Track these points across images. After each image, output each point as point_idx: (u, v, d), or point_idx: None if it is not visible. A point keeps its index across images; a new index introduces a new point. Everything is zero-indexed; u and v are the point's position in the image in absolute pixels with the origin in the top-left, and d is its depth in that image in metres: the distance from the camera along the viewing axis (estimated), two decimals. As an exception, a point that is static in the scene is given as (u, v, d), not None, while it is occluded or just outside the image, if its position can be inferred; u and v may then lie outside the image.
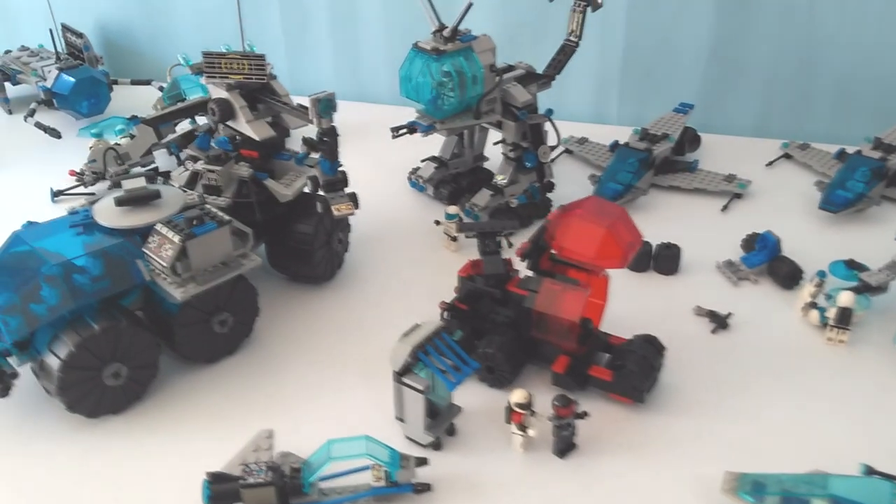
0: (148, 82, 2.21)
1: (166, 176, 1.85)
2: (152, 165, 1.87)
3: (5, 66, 2.25)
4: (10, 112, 2.25)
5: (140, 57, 2.47)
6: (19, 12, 2.55)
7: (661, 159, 1.82)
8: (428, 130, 1.58)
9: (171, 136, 1.88)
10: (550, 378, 1.23)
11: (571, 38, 1.71)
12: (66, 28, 2.32)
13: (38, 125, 1.97)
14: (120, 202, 1.23)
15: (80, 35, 2.27)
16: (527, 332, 1.21)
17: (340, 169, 1.35)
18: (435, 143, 1.77)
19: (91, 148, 1.85)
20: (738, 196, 1.76)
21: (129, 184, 1.26)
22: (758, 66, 2.01)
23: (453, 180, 1.79)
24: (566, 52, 1.71)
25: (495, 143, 1.68)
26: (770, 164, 1.90)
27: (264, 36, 2.32)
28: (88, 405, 1.17)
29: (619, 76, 2.10)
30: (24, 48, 2.35)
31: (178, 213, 1.24)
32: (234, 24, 2.35)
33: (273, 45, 2.33)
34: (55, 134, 1.95)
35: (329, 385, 1.28)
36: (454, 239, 1.60)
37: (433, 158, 1.79)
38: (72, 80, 2.06)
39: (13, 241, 1.23)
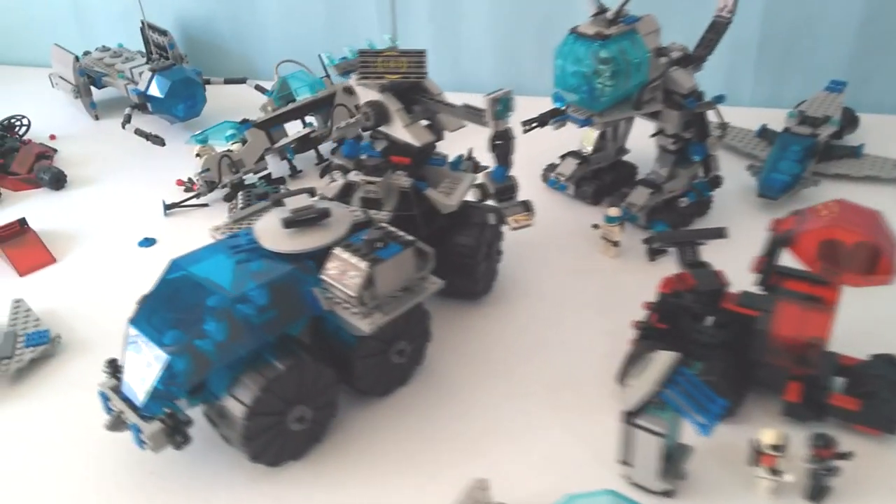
0: (242, 80, 2.07)
1: (279, 183, 1.73)
2: (265, 172, 1.75)
3: (88, 68, 2.13)
4: (96, 118, 2.13)
5: (224, 54, 2.34)
6: (95, 11, 2.42)
7: (822, 145, 1.66)
8: (585, 124, 1.44)
9: (284, 140, 1.77)
10: (781, 408, 1.09)
11: (723, 14, 1.54)
12: (148, 26, 2.19)
13: (139, 132, 1.85)
14: (289, 224, 1.10)
15: (164, 33, 2.13)
16: (758, 356, 1.07)
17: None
18: (557, 136, 1.61)
19: (198, 156, 1.72)
20: (911, 183, 1.60)
21: (294, 202, 1.13)
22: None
23: (595, 177, 1.65)
24: (717, 29, 1.55)
25: (652, 136, 1.53)
26: (938, 144, 1.74)
27: (357, 25, 2.18)
28: (272, 454, 1.05)
29: (756, 53, 1.94)
30: (104, 48, 2.22)
31: (351, 233, 1.11)
32: (322, 16, 2.21)
33: (367, 34, 2.18)
34: (159, 141, 1.82)
35: (518, 419, 1.15)
36: (616, 244, 1.46)
37: (573, 154, 1.64)
38: (168, 81, 1.93)
39: (172, 269, 1.10)
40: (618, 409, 1.13)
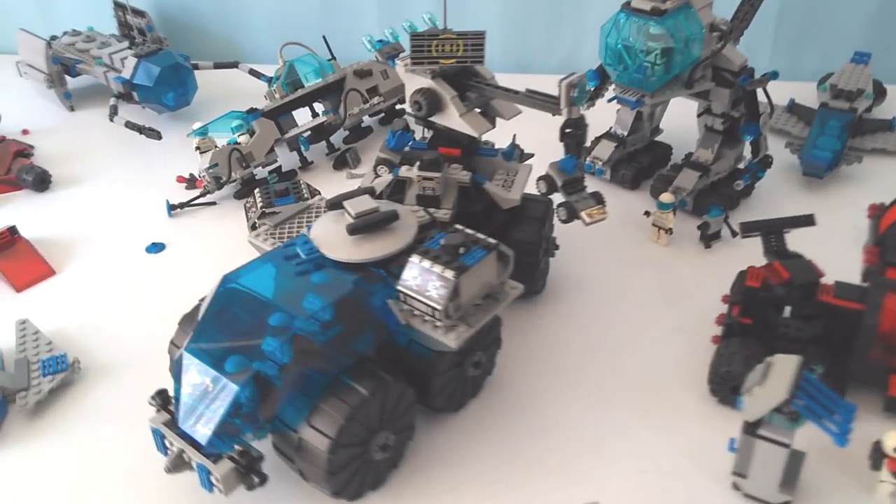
0: (234, 65, 1.91)
1: (290, 176, 1.61)
2: (275, 165, 1.62)
3: (60, 55, 1.94)
4: (71, 109, 1.95)
5: (206, 36, 2.16)
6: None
7: (859, 119, 1.61)
8: (637, 106, 1.35)
9: (296, 130, 1.64)
10: (883, 404, 1.03)
11: None
12: (120, 6, 2.01)
13: (130, 125, 1.69)
14: (355, 230, 0.99)
15: (141, 14, 1.97)
16: (863, 351, 1.01)
17: (573, 164, 1.13)
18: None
19: (199, 150, 1.58)
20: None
21: (355, 205, 1.01)
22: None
23: (631, 160, 1.57)
24: (754, 1, 1.48)
25: (699, 115, 1.45)
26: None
27: (356, 4, 2.05)
28: (354, 487, 0.95)
29: (774, 24, 1.88)
30: (74, 32, 2.03)
31: (423, 237, 1.01)
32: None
33: (365, 10, 2.06)
34: (154, 135, 1.67)
35: (607, 431, 1.07)
36: (669, 231, 1.38)
37: (608, 136, 1.56)
38: (157, 68, 1.77)
39: (224, 284, 0.98)
40: (710, 414, 1.08)
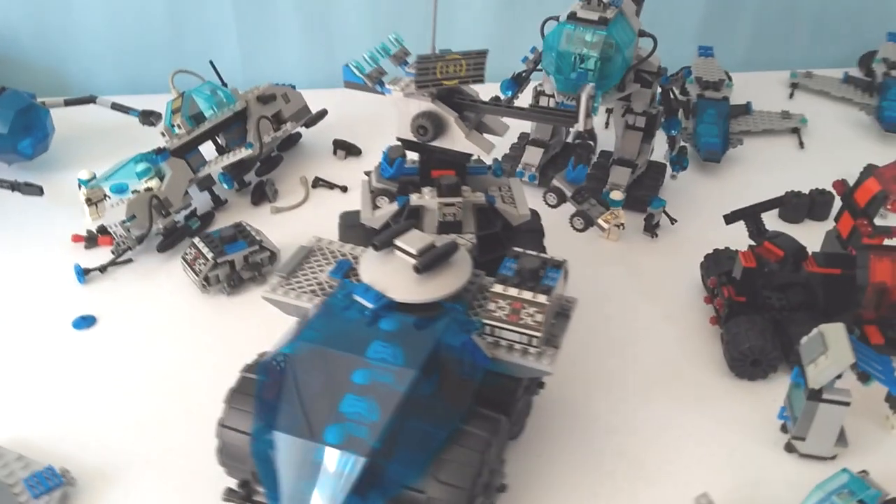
0: (91, 100, 1.67)
1: (208, 219, 1.46)
2: (191, 208, 1.45)
3: None
4: None
5: (22, 67, 1.86)
6: None
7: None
8: (581, 112, 1.40)
9: (211, 168, 1.49)
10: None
11: None
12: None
13: (1, 183, 1.41)
14: (425, 267, 0.93)
15: None
16: (856, 308, 1.15)
17: (574, 173, 1.16)
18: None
19: (90, 202, 1.39)
20: (796, 130, 1.83)
21: (411, 242, 0.95)
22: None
23: (552, 163, 1.63)
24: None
25: (623, 115, 1.54)
26: (791, 96, 2.00)
27: (208, 16, 1.88)
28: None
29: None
30: None
31: (492, 266, 0.97)
32: (162, 12, 1.86)
33: (220, 27, 1.90)
34: (34, 190, 1.41)
35: (655, 422, 1.11)
36: (621, 227, 1.46)
37: (534, 142, 1.60)
38: (9, 112, 1.50)
39: (295, 347, 0.88)
40: (732, 388, 1.17)
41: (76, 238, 1.40)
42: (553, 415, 1.12)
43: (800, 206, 1.52)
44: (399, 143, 1.16)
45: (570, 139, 1.67)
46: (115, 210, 1.41)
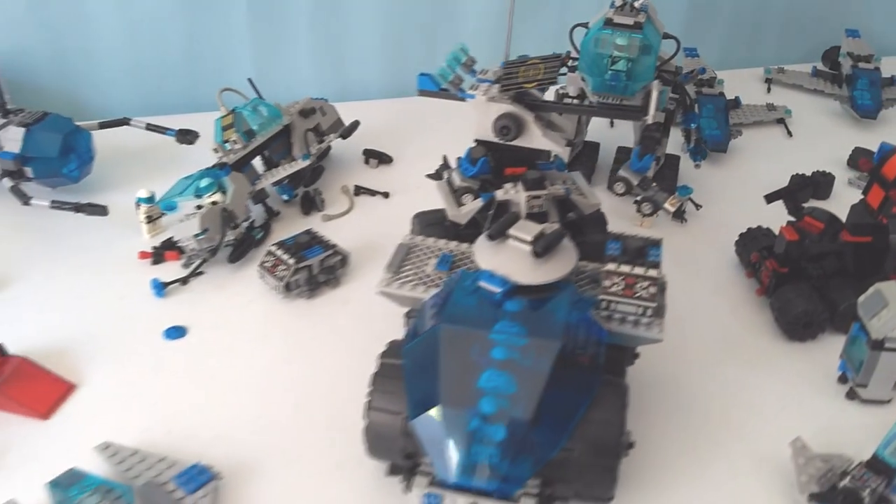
0: (125, 122, 1.69)
1: (267, 228, 1.52)
2: (251, 220, 1.50)
3: None
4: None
5: (39, 92, 1.85)
6: None
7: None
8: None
9: (269, 179, 1.55)
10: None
11: None
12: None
13: (61, 205, 1.42)
14: (544, 250, 1.02)
15: None
16: (884, 273, 1.30)
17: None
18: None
19: (150, 219, 1.46)
20: (781, 121, 2.00)
21: (524, 230, 1.03)
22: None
23: (576, 160, 1.74)
24: None
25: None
26: (769, 90, 2.18)
27: (224, 31, 1.92)
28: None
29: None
30: None
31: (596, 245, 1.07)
32: (179, 33, 1.89)
33: (235, 48, 1.94)
34: (98, 211, 1.43)
35: (729, 384, 1.23)
36: (654, 214, 1.58)
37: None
38: (57, 136, 1.51)
39: (435, 332, 0.95)
40: (788, 350, 1.30)
41: (143, 255, 1.43)
42: (639, 383, 1.22)
43: (806, 186, 1.68)
44: (477, 144, 1.25)
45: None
46: (175, 226, 1.46)
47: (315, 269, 1.36)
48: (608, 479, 0.95)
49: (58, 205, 1.43)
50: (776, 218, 1.44)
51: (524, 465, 0.92)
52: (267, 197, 1.54)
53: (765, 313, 1.36)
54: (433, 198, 1.36)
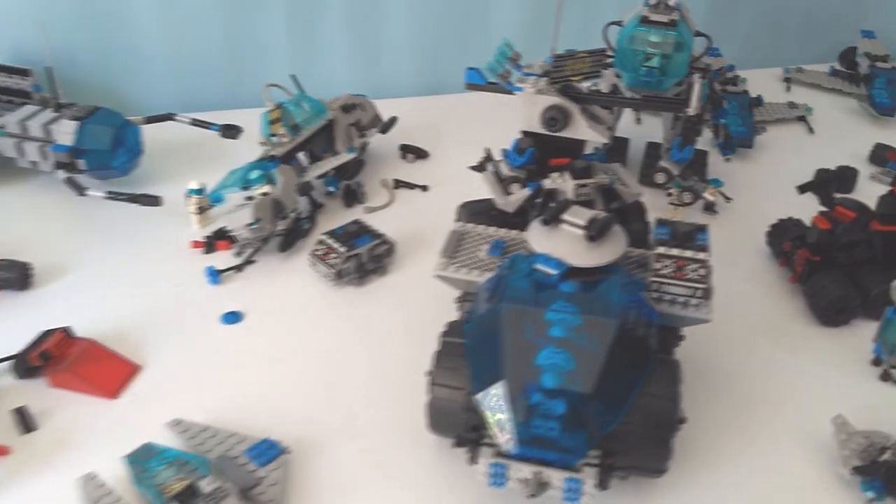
0: (169, 117, 1.74)
1: (312, 219, 1.56)
2: (298, 211, 1.55)
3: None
4: (-30, 192, 1.62)
5: (85, 88, 1.90)
6: None
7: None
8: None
9: (315, 172, 1.59)
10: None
11: None
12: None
13: (117, 196, 1.47)
14: (598, 234, 1.06)
15: (24, 73, 1.70)
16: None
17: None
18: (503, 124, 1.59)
19: (201, 209, 1.51)
20: (802, 118, 2.05)
21: (578, 215, 1.08)
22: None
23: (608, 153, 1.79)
24: None
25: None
26: (788, 89, 2.23)
27: (262, 30, 1.97)
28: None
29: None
30: (-65, 104, 1.68)
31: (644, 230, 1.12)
32: (220, 32, 1.94)
33: (273, 46, 1.99)
34: (152, 201, 1.47)
35: (774, 365, 1.28)
36: (688, 205, 1.63)
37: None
38: (109, 129, 1.56)
39: (494, 313, 1.00)
40: (823, 335, 1.35)
41: (195, 244, 1.47)
42: (683, 364, 1.26)
43: (832, 180, 1.73)
44: (524, 135, 1.30)
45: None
46: (223, 217, 1.51)
47: (364, 258, 1.41)
48: (663, 451, 1.00)
49: (113, 195, 1.48)
50: (803, 210, 1.50)
51: (583, 437, 0.96)
52: (312, 189, 1.59)
53: (797, 300, 1.41)
54: (470, 190, 1.42)
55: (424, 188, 1.71)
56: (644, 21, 1.52)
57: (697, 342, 1.28)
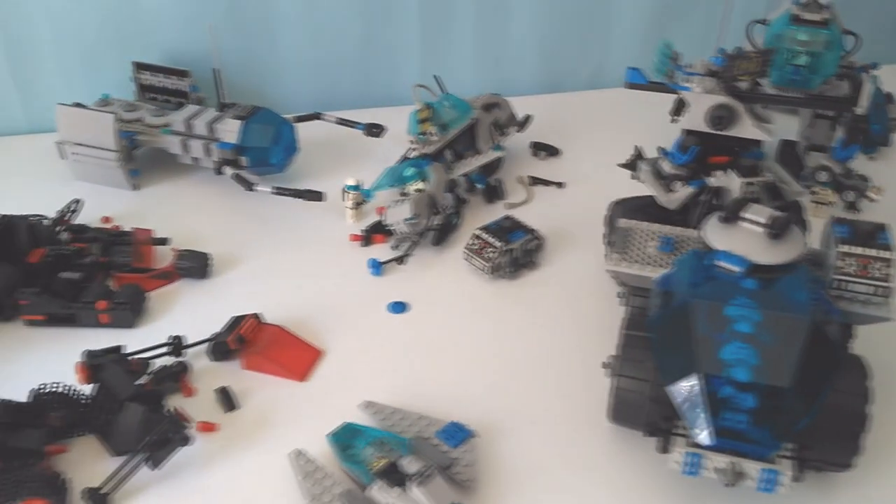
0: (317, 116, 1.82)
1: (455, 216, 1.61)
2: (449, 206, 1.60)
3: (126, 128, 1.70)
4: (135, 188, 1.72)
5: (232, 88, 2.00)
6: (42, 58, 1.90)
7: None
8: (798, 104, 1.57)
9: (463, 169, 1.65)
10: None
11: None
12: (143, 67, 1.81)
13: (283, 191, 1.56)
14: (780, 232, 1.09)
15: (183, 74, 1.80)
16: None
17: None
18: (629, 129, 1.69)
19: (358, 205, 1.59)
20: None
21: (758, 213, 1.11)
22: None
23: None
24: None
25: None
26: None
27: (395, 33, 2.04)
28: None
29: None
30: (103, 101, 1.79)
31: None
32: (356, 35, 2.01)
33: (406, 48, 2.06)
34: (316, 196, 1.55)
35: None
36: (830, 204, 1.63)
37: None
38: (270, 127, 1.65)
39: (683, 309, 1.04)
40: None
41: (354, 237, 1.55)
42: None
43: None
44: (688, 134, 1.32)
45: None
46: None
47: (517, 252, 1.46)
48: (852, 446, 1.02)
49: (279, 191, 1.56)
50: None
51: (775, 431, 0.99)
52: (458, 186, 1.65)
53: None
54: (605, 187, 1.49)
55: (560, 185, 1.75)
56: (795, 20, 1.53)
57: (875, 342, 1.29)
